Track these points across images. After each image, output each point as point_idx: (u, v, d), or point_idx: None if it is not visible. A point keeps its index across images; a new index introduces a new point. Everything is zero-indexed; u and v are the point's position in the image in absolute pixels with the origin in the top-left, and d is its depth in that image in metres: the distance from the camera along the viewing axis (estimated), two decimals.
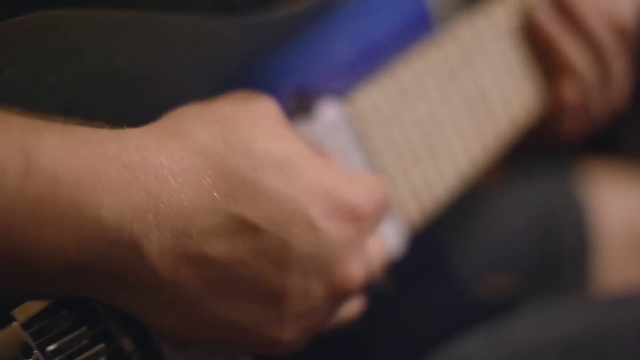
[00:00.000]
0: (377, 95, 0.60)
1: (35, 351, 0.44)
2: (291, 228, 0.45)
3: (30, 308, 0.44)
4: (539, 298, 0.79)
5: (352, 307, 0.53)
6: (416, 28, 0.64)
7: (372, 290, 0.54)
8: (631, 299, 0.73)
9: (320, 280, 0.47)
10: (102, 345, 0.46)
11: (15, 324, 0.44)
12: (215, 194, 0.44)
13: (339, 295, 0.48)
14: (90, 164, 0.41)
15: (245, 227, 0.44)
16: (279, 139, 0.47)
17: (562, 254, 0.87)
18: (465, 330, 0.70)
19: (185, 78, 0.51)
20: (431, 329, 0.70)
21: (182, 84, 0.51)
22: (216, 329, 0.46)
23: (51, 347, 0.45)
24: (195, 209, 0.44)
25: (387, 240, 0.58)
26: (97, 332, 0.46)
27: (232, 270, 0.45)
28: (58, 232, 0.41)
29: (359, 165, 0.59)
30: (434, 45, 0.64)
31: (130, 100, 0.49)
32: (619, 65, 0.73)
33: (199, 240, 0.44)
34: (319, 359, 0.56)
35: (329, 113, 0.58)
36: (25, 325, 0.44)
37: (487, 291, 0.76)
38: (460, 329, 0.70)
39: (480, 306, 0.73)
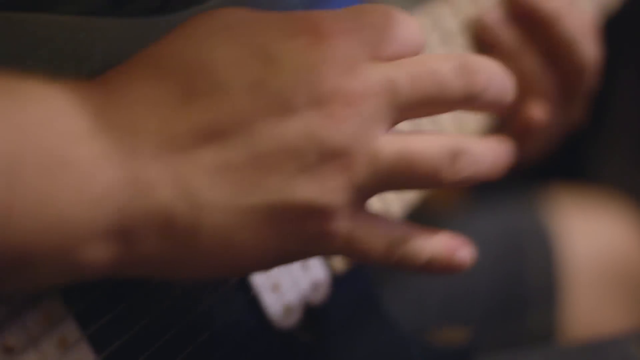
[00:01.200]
0: None
1: None
2: (243, 67, 0.40)
3: None
4: (500, 349, 0.72)
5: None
6: None
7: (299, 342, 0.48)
8: (603, 347, 0.65)
9: (300, 100, 0.40)
10: None
11: None
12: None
13: (333, 109, 0.40)
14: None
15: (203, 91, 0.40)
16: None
17: (528, 295, 0.80)
18: None
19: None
20: None
21: None
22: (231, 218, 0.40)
23: None
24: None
25: None
26: None
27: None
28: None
29: None
30: None
31: None
32: (590, 76, 0.66)
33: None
34: None
35: None
36: None
37: (439, 345, 0.67)
38: None
39: None
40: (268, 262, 0.43)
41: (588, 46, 0.64)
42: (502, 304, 0.80)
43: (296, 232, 0.41)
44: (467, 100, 0.44)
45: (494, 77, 0.44)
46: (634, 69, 1.26)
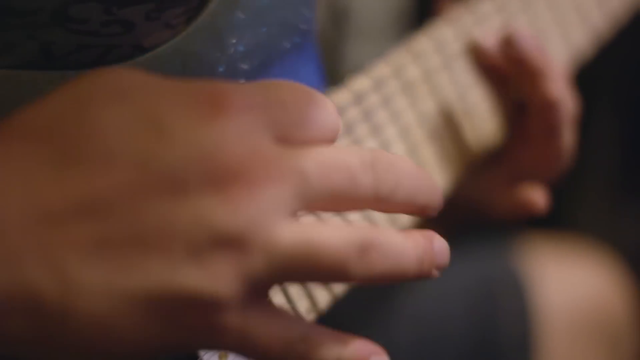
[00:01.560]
0: None
1: None
2: (137, 143, 0.37)
3: None
4: None
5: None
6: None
7: None
8: None
9: (195, 185, 0.36)
10: None
11: None
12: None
13: (229, 192, 0.36)
14: None
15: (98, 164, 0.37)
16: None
17: (501, 345, 0.80)
18: None
19: None
20: None
21: None
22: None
23: None
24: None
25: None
26: None
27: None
28: None
29: None
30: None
31: None
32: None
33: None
34: None
35: None
36: None
37: None
38: None
39: None
40: (151, 352, 0.39)
41: (570, 105, 0.61)
42: (475, 354, 0.79)
43: (179, 323, 0.37)
44: (377, 200, 0.40)
45: (405, 176, 0.40)
46: (608, 111, 1.26)
